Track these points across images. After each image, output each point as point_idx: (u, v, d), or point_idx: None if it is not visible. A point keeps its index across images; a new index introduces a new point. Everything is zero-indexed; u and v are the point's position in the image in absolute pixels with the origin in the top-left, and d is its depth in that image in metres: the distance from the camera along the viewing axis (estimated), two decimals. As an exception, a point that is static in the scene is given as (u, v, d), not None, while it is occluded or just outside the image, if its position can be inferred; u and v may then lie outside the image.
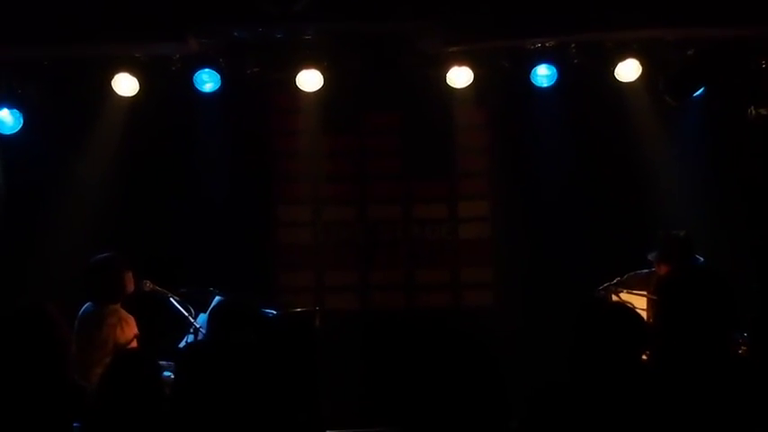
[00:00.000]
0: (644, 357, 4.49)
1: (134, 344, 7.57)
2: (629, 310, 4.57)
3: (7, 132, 9.83)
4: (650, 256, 8.37)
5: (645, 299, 7.85)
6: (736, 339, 4.77)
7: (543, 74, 9.79)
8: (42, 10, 8.68)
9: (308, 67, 9.66)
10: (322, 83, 9.72)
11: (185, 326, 7.85)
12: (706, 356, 4.16)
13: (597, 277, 8.42)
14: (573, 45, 9.64)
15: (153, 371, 5.01)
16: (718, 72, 9.57)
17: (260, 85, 10.15)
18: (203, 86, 9.74)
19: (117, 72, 9.58)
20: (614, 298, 8.04)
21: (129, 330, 7.60)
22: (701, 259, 8.26)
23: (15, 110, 9.75)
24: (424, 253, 10.80)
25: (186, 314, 7.84)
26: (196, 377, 4.53)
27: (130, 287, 7.81)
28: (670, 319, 4.32)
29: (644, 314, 7.06)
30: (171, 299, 7.93)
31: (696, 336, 4.19)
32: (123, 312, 7.69)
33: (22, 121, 9.79)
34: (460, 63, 9.70)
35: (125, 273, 7.78)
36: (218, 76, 9.68)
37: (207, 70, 9.66)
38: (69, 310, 7.37)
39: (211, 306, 7.20)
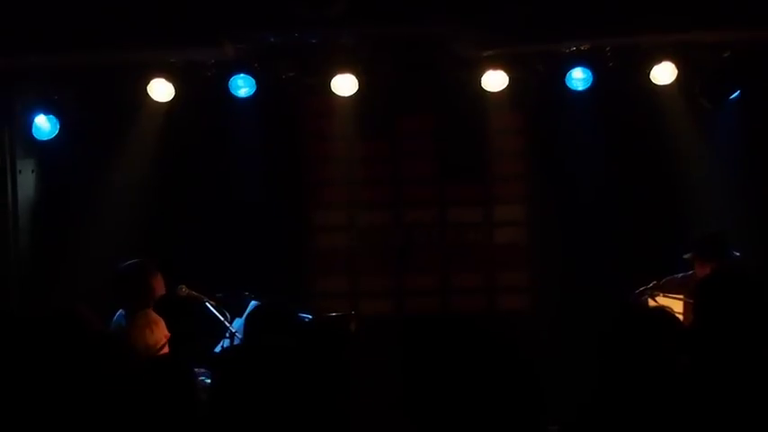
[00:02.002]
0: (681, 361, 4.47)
1: (165, 347, 7.58)
2: (667, 314, 4.54)
3: (44, 138, 9.90)
4: (686, 256, 8.33)
5: (682, 302, 7.81)
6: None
7: (578, 77, 9.74)
8: (78, 16, 8.74)
9: (342, 71, 9.66)
10: (357, 87, 9.73)
11: (221, 331, 7.86)
12: (744, 359, 4.12)
13: (633, 281, 8.38)
14: (608, 48, 9.61)
15: (185, 375, 5.01)
16: (755, 74, 9.51)
17: (294, 89, 10.16)
18: (238, 91, 9.77)
19: (152, 78, 9.62)
20: (651, 302, 8.00)
21: (158, 332, 7.57)
22: (738, 254, 8.22)
23: (52, 116, 9.83)
24: (459, 257, 10.78)
25: (222, 319, 7.84)
26: (232, 382, 4.53)
27: (160, 290, 7.78)
28: (707, 322, 4.29)
29: (681, 318, 7.02)
30: (206, 304, 7.94)
31: (734, 338, 4.16)
32: (153, 315, 7.66)
33: (58, 127, 9.86)
34: (495, 67, 9.68)
35: (152, 277, 7.76)
36: (253, 81, 9.71)
37: (242, 75, 9.68)
38: (104, 315, 7.40)
39: (247, 310, 7.20)
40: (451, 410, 3.73)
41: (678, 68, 9.57)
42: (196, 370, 6.41)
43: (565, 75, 9.73)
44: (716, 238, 8.32)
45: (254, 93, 9.77)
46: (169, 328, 7.73)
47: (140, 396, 4.87)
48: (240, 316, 7.64)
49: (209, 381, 5.92)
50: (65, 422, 4.95)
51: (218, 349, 7.79)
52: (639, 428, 4.04)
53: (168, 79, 9.63)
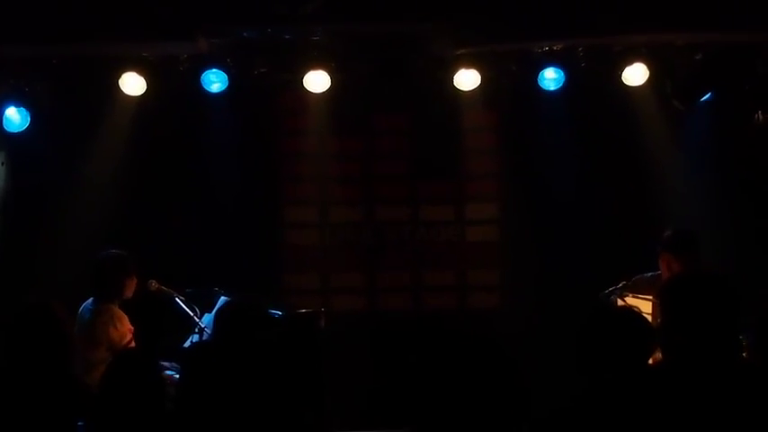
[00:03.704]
0: (650, 362, 4.48)
1: (131, 341, 7.57)
2: (636, 315, 4.56)
3: (15, 130, 9.85)
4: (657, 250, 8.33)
5: (650, 303, 7.83)
6: (740, 342, 4.73)
7: (550, 77, 9.78)
8: (50, 8, 8.69)
9: (315, 68, 9.66)
10: (329, 84, 9.72)
11: (190, 326, 7.86)
12: (710, 360, 4.14)
13: (604, 280, 8.38)
14: (580, 48, 9.65)
15: (153, 370, 5.01)
16: (726, 77, 9.55)
17: (267, 85, 10.15)
18: (210, 86, 9.74)
19: (124, 71, 9.59)
20: (620, 302, 8.01)
21: (122, 327, 7.60)
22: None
23: (23, 108, 9.77)
24: (430, 255, 10.78)
25: (191, 314, 7.84)
26: (201, 377, 4.53)
27: (129, 291, 7.79)
28: (671, 322, 4.31)
29: (650, 318, 7.04)
30: (176, 299, 7.94)
31: (699, 339, 4.18)
32: (116, 310, 7.68)
33: (29, 120, 9.81)
34: (468, 66, 9.69)
35: (126, 276, 7.76)
36: (226, 77, 9.68)
37: (214, 70, 9.66)
38: (74, 310, 7.40)
39: (217, 306, 7.20)
40: (423, 406, 3.74)
41: (650, 70, 9.62)
42: (165, 366, 6.41)
43: (537, 74, 9.77)
44: (682, 233, 8.28)
45: (226, 88, 9.74)
46: (138, 322, 7.73)
47: (108, 389, 4.86)
48: (210, 311, 7.64)
49: (177, 376, 5.91)
50: (35, 414, 4.95)
51: (187, 344, 7.78)
52: (607, 429, 4.06)
53: (140, 73, 9.59)
